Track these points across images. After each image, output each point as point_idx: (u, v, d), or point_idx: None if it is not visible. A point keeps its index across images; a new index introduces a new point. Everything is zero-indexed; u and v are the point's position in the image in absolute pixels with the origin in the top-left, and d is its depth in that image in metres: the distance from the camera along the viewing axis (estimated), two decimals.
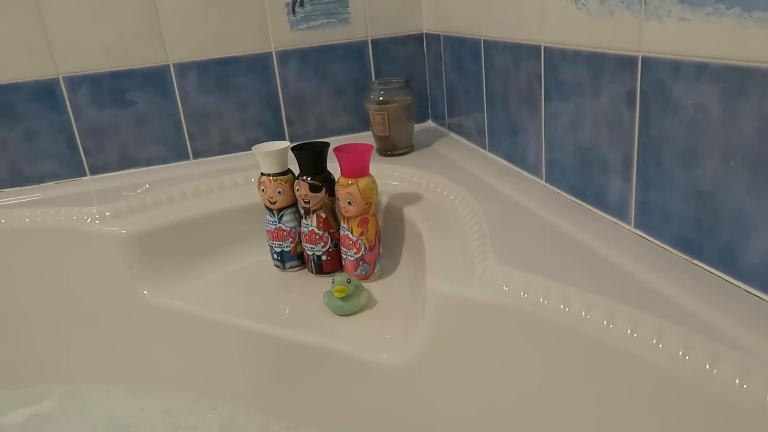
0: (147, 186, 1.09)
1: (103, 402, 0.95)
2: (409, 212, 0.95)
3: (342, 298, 0.85)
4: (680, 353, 0.49)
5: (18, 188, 1.16)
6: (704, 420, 0.47)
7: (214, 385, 0.93)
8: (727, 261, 0.56)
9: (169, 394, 0.94)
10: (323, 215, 0.95)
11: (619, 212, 0.70)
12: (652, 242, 0.65)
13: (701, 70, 0.55)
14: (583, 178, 0.77)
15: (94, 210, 1.00)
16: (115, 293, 0.99)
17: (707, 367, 0.47)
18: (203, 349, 0.92)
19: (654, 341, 0.51)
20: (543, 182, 0.88)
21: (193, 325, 0.93)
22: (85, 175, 1.19)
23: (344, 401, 0.82)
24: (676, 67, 0.58)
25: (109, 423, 0.91)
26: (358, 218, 0.91)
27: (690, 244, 0.60)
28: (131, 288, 0.98)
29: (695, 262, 0.60)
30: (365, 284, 0.91)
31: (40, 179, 1.17)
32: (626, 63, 0.65)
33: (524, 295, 0.62)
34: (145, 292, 0.98)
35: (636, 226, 0.68)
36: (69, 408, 0.95)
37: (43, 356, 1.02)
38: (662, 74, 0.60)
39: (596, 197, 0.75)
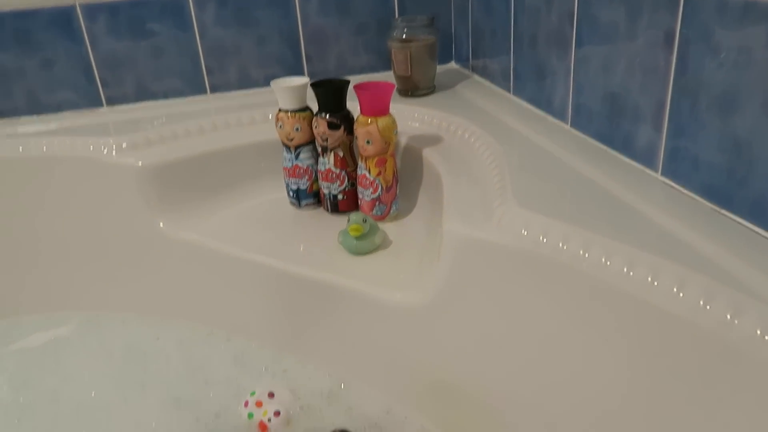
0: (164, 119, 1.08)
1: (120, 330, 0.97)
2: (428, 154, 0.93)
3: (357, 237, 0.84)
4: (701, 303, 0.48)
5: (35, 116, 1.15)
6: (723, 371, 0.46)
7: (227, 318, 0.94)
8: (759, 212, 0.54)
9: (183, 325, 0.96)
10: (341, 154, 0.94)
11: (647, 159, 0.68)
12: (680, 190, 0.63)
13: (749, 9, 0.51)
14: (611, 124, 0.74)
15: (111, 141, 0.99)
16: (131, 225, 0.99)
17: (728, 317, 0.46)
18: (218, 283, 0.93)
19: (675, 290, 0.50)
20: (568, 127, 0.85)
21: (208, 258, 0.93)
22: (101, 105, 1.18)
23: (356, 339, 0.83)
24: (721, 6, 0.54)
25: (125, 350, 0.93)
26: (376, 158, 0.89)
27: (719, 194, 0.58)
28: (148, 220, 0.98)
29: (723, 212, 0.58)
30: (381, 225, 0.90)
31: (57, 108, 1.16)
32: (667, 2, 0.61)
33: (543, 240, 0.60)
34: (162, 224, 0.98)
35: (663, 173, 0.66)
36: (87, 334, 0.97)
37: (61, 284, 1.04)
38: (705, 14, 0.56)
39: (624, 143, 0.72)
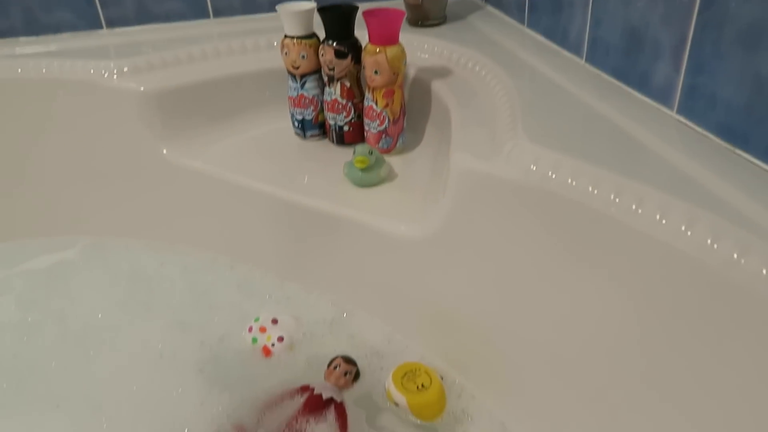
0: (166, 43, 1.05)
1: (124, 255, 0.98)
2: (438, 87, 0.91)
3: (362, 169, 0.83)
4: (709, 241, 0.48)
5: (34, 37, 1.12)
6: (727, 309, 0.47)
7: (232, 245, 0.95)
8: None
9: (187, 252, 0.97)
10: (347, 84, 0.91)
11: (663, 96, 0.66)
12: (694, 129, 0.62)
13: None
14: (628, 59, 0.72)
15: (112, 65, 0.97)
16: (134, 151, 0.98)
17: (735, 256, 0.46)
18: (221, 210, 0.93)
19: (683, 228, 0.50)
20: (583, 62, 0.82)
21: (211, 186, 0.93)
22: (101, 27, 1.14)
23: (359, 269, 0.84)
24: None
25: (130, 275, 0.94)
26: (384, 89, 0.87)
27: (736, 133, 0.57)
28: (151, 146, 0.97)
29: (738, 151, 0.57)
30: (386, 158, 0.89)
31: (55, 29, 1.12)
32: None
33: (552, 175, 0.60)
34: (165, 151, 0.97)
35: (679, 111, 0.64)
36: (91, 258, 0.98)
37: (65, 208, 1.04)
38: None
39: (640, 79, 0.70)
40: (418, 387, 0.71)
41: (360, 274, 0.84)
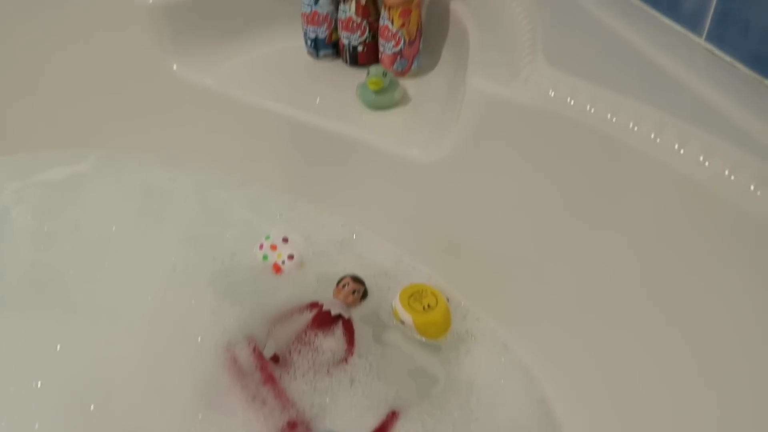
0: None
1: (137, 170, 0.99)
2: (456, 6, 0.88)
3: (376, 91, 0.82)
4: (726, 173, 0.48)
5: None
6: (744, 244, 0.47)
7: (243, 163, 0.95)
8: None
9: (199, 168, 0.97)
10: (363, 1, 0.88)
11: (692, 22, 0.64)
12: (722, 58, 0.60)
13: None
14: None
15: None
16: (145, 66, 0.97)
17: (752, 188, 0.46)
18: (233, 128, 0.92)
19: (701, 158, 0.49)
20: None
21: (223, 104, 0.92)
22: None
23: (370, 191, 0.84)
24: None
25: (142, 189, 0.95)
26: (401, 8, 0.84)
27: (767, 63, 0.55)
28: (161, 62, 0.96)
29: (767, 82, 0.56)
30: (401, 80, 0.88)
31: None
32: None
33: (570, 101, 0.58)
34: (175, 67, 0.95)
35: (708, 38, 0.62)
36: (104, 172, 0.99)
37: (78, 121, 1.03)
38: None
39: (669, 4, 0.67)
40: (424, 307, 0.73)
41: (370, 196, 0.84)
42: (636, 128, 0.53)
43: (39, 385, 0.66)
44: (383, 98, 0.83)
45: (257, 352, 0.70)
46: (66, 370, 0.67)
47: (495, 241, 0.73)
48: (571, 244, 0.64)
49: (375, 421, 0.64)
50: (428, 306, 0.73)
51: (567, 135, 0.60)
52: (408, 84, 0.88)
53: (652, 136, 0.52)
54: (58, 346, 0.70)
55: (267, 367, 0.68)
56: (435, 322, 0.72)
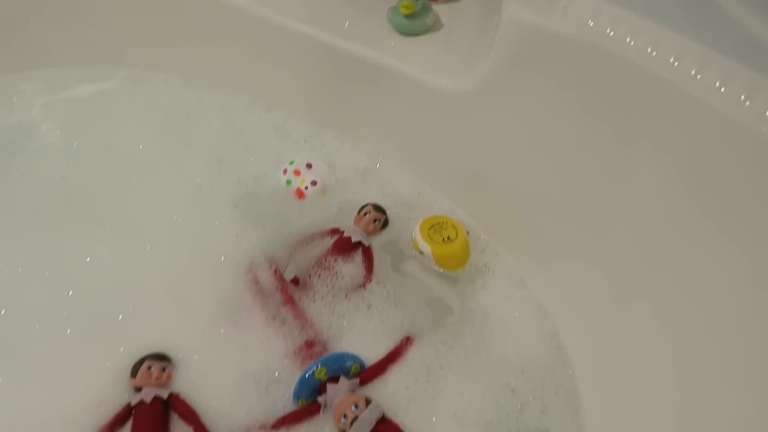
0: None
1: (163, 89, 0.98)
2: None
3: (407, 16, 0.79)
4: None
5: None
6: None
7: (269, 88, 0.94)
8: None
9: (225, 92, 0.96)
10: None
11: None
12: None
13: None
14: None
15: None
16: None
17: None
18: (260, 51, 0.90)
19: (742, 98, 0.47)
20: None
21: (251, 24, 0.89)
22: None
23: (395, 120, 0.83)
24: None
25: (169, 109, 0.95)
26: None
27: None
28: None
29: None
30: (434, 5, 0.84)
31: None
32: None
33: (610, 32, 0.56)
34: None
35: None
36: (131, 90, 0.99)
37: (105, 38, 1.02)
38: None
39: None
40: (443, 239, 0.73)
41: (396, 125, 0.83)
42: (676, 63, 0.51)
43: (70, 294, 0.69)
44: (414, 23, 0.80)
45: (278, 274, 0.72)
46: (95, 281, 0.70)
47: (519, 177, 0.72)
48: (597, 184, 0.63)
49: (390, 345, 0.66)
50: (448, 238, 0.73)
51: (604, 68, 0.57)
52: (441, 9, 0.85)
53: (693, 72, 0.50)
54: (88, 258, 0.72)
55: (287, 289, 0.70)
56: (454, 254, 0.73)
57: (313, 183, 0.81)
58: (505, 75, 0.67)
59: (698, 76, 0.50)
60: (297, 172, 0.83)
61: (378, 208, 0.77)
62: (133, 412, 0.59)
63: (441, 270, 0.74)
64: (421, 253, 0.74)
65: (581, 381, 0.64)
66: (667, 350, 0.55)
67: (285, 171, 0.84)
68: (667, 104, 0.52)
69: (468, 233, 0.76)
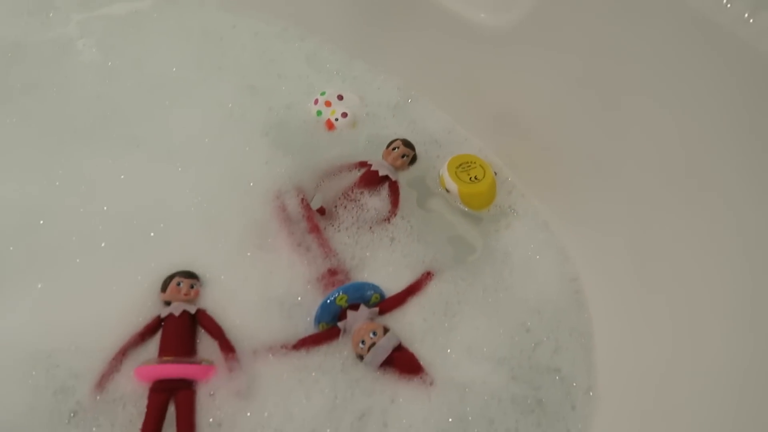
0: None
1: (197, 12, 0.97)
2: None
3: None
4: None
5: None
6: None
7: (303, 16, 0.92)
8: None
9: (259, 17, 0.95)
10: None
11: None
12: None
13: None
14: None
15: None
16: None
17: None
18: None
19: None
20: None
21: None
22: None
23: (430, 55, 0.82)
24: None
25: (202, 33, 0.95)
26: None
27: None
28: None
29: None
30: None
31: None
32: None
33: None
34: None
35: None
36: (165, 11, 0.98)
37: None
38: None
39: None
40: (471, 178, 0.73)
41: (431, 60, 0.82)
42: (729, 5, 0.49)
43: (105, 209, 0.71)
44: None
45: (305, 203, 0.73)
46: (129, 198, 0.72)
47: (553, 120, 0.71)
48: (629, 135, 0.62)
49: (410, 278, 0.68)
50: (475, 178, 0.73)
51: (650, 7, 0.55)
52: None
53: (745, 16, 0.48)
54: (122, 176, 0.74)
55: (313, 218, 0.71)
56: (480, 194, 0.73)
57: (344, 115, 0.81)
58: (549, 13, 0.65)
59: (728, 5, 0.48)
60: (328, 103, 0.83)
61: (407, 144, 0.77)
62: (162, 323, 0.62)
63: (466, 209, 0.74)
64: (447, 191, 0.74)
65: (596, 325, 0.65)
66: (683, 303, 0.55)
67: (316, 101, 0.83)
68: (721, 52, 0.50)
69: (495, 174, 0.75)
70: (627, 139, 0.62)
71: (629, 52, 0.59)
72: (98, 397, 0.58)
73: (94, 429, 0.57)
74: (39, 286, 0.64)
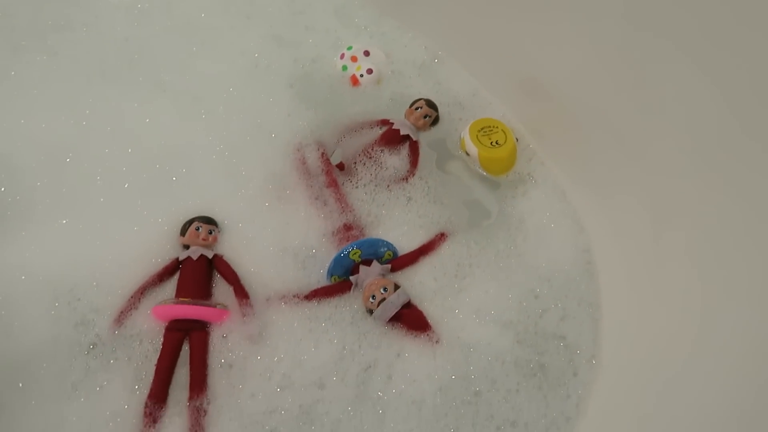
0: None
1: None
2: None
3: None
4: None
5: None
6: None
7: None
8: None
9: None
10: None
11: None
12: None
13: None
14: None
15: None
16: None
17: None
18: None
19: None
20: None
21: None
22: None
23: (460, 16, 0.80)
24: None
25: None
26: None
27: None
28: None
29: None
30: None
31: None
32: None
33: None
34: None
35: None
36: None
37: None
38: None
39: None
40: (492, 143, 0.73)
41: (461, 21, 0.81)
42: None
43: (130, 151, 0.72)
44: None
45: (325, 157, 0.73)
46: (153, 142, 0.73)
47: (580, 90, 0.70)
48: (660, 111, 0.61)
49: (424, 238, 0.68)
50: (496, 142, 0.73)
51: None
52: None
53: None
54: (147, 119, 0.75)
55: (332, 172, 0.72)
56: (500, 159, 0.73)
57: (369, 71, 0.81)
58: None
59: None
60: (354, 59, 0.82)
61: (430, 104, 0.77)
62: (180, 266, 0.64)
63: (484, 173, 0.74)
64: (468, 154, 0.74)
65: (605, 297, 0.65)
66: (695, 282, 0.55)
67: (342, 56, 0.83)
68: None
69: (517, 140, 0.75)
70: (657, 114, 0.61)
71: (666, 21, 0.57)
72: (116, 332, 0.60)
73: (111, 361, 0.59)
74: (64, 221, 0.66)
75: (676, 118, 0.58)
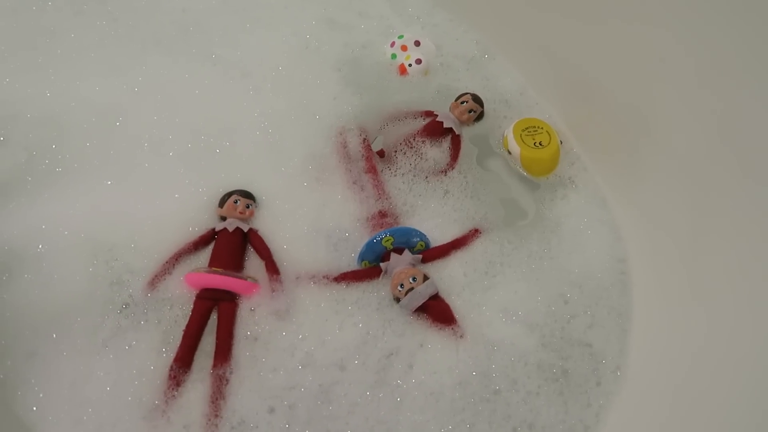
0: None
1: None
2: None
3: None
4: None
5: None
6: None
7: None
8: None
9: None
10: None
11: None
12: None
13: None
14: None
15: None
16: None
17: None
18: None
19: None
20: None
21: None
22: None
23: (512, 13, 0.79)
24: None
25: None
26: None
27: None
28: None
29: None
30: None
31: None
32: None
33: None
34: None
35: None
36: None
37: None
38: None
39: None
40: (535, 143, 0.72)
41: (514, 19, 0.80)
42: None
43: (177, 120, 0.74)
44: None
45: (366, 143, 0.74)
46: (200, 113, 0.74)
47: (633, 98, 0.68)
48: (711, 126, 0.59)
49: (458, 232, 0.68)
50: (540, 143, 0.72)
51: None
52: None
53: None
54: (197, 91, 0.76)
55: (372, 159, 0.72)
56: (542, 160, 0.72)
57: (418, 61, 0.81)
58: None
59: None
60: (404, 48, 0.82)
61: (476, 99, 0.76)
62: (215, 236, 0.66)
63: (525, 173, 0.73)
64: (510, 153, 0.74)
65: (636, 309, 0.64)
66: (729, 304, 0.54)
67: (392, 44, 0.83)
68: None
69: (561, 143, 0.74)
70: (709, 133, 0.59)
71: (728, 33, 0.56)
72: (149, 295, 0.62)
73: (142, 322, 0.61)
74: (108, 182, 0.68)
75: (729, 138, 0.57)
